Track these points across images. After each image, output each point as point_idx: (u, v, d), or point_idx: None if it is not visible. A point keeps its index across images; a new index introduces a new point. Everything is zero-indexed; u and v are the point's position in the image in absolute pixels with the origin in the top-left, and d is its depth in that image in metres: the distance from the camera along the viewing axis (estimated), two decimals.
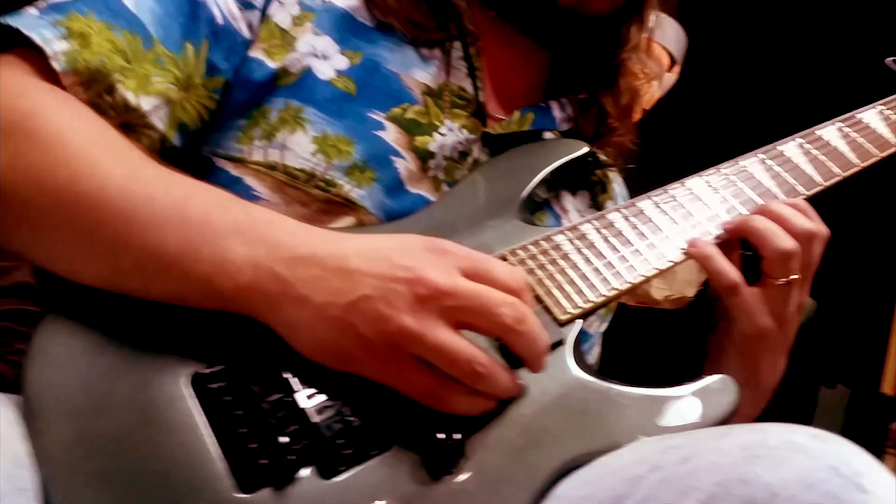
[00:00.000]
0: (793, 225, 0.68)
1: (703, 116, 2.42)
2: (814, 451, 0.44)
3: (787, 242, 0.67)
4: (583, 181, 0.89)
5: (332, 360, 0.52)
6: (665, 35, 2.08)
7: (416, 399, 0.52)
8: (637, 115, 2.24)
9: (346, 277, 0.51)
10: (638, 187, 0.78)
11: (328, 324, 0.50)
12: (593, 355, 0.90)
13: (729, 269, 0.67)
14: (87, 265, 0.54)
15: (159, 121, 0.65)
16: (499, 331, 0.51)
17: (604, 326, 0.90)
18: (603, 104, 0.87)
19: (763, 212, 0.70)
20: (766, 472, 0.43)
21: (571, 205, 0.86)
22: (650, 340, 1.85)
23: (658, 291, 1.82)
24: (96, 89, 0.61)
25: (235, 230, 0.52)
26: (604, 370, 0.92)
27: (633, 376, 0.61)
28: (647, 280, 0.67)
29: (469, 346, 0.51)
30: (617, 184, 0.94)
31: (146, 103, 0.63)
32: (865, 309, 2.93)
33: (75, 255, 0.54)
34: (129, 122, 0.63)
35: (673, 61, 2.16)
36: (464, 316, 0.51)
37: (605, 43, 0.84)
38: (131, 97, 0.62)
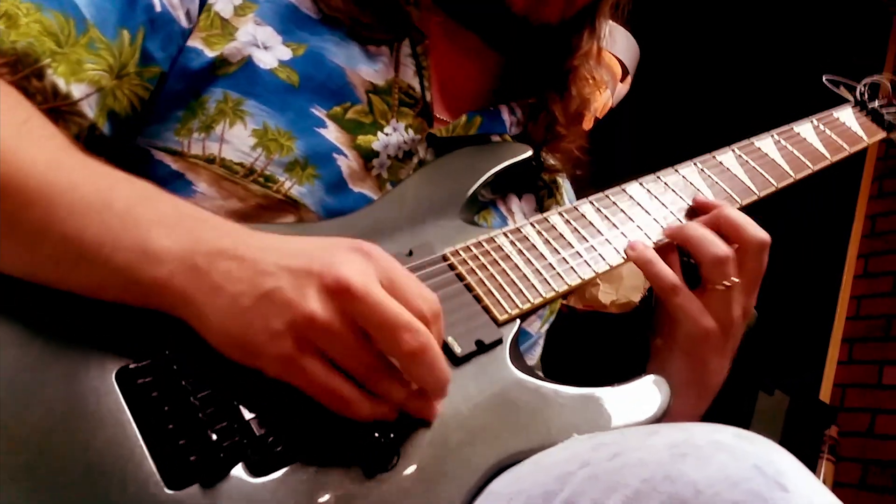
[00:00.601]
0: (732, 231, 0.70)
1: (653, 125, 2.47)
2: (738, 450, 0.45)
3: (720, 248, 0.68)
4: (529, 184, 0.90)
5: (240, 353, 0.50)
6: (618, 46, 2.11)
7: (318, 399, 0.50)
8: (589, 124, 2.28)
9: (262, 271, 0.49)
10: (589, 193, 0.78)
11: (238, 314, 0.49)
12: (535, 355, 0.91)
13: (666, 273, 0.68)
14: (6, 252, 0.52)
15: (89, 108, 0.63)
16: (395, 353, 0.49)
17: (545, 327, 0.91)
18: (552, 110, 0.87)
19: (705, 217, 0.72)
20: (692, 469, 0.43)
21: (517, 207, 0.87)
22: (597, 344, 1.88)
23: (605, 296, 1.85)
24: (23, 73, 0.58)
25: (159, 222, 0.51)
26: (551, 372, 0.93)
27: (579, 378, 0.62)
28: (586, 282, 0.68)
29: (369, 347, 0.50)
30: (566, 189, 0.96)
31: (77, 91, 0.61)
32: (805, 318, 3.02)
33: None
34: (57, 109, 0.60)
35: (626, 72, 2.19)
36: (366, 325, 0.49)
37: (556, 49, 0.85)
38: (62, 84, 0.60)
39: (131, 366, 0.52)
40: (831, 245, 3.19)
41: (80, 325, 0.53)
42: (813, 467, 2.57)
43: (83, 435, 0.48)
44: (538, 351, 0.92)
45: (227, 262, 0.50)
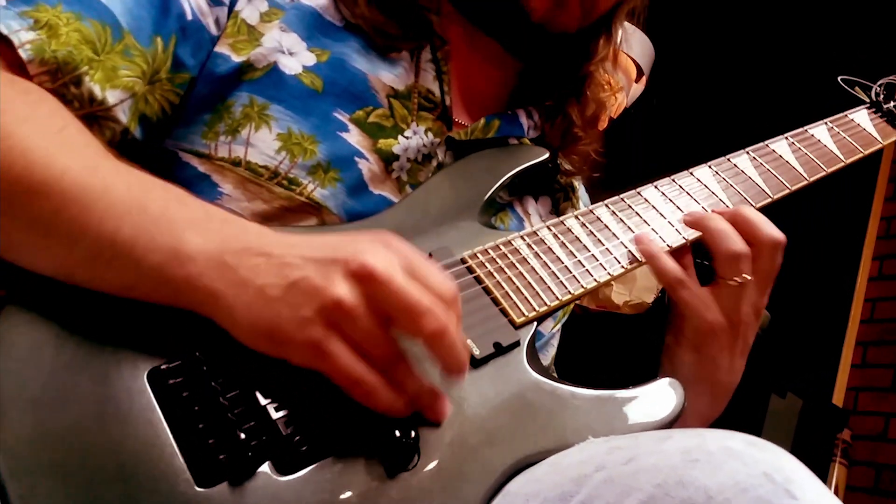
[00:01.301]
0: (749, 230, 0.70)
1: (667, 126, 2.47)
2: (749, 457, 0.46)
3: (737, 244, 0.69)
4: (546, 187, 0.91)
5: (268, 342, 0.51)
6: (633, 47, 2.11)
7: (342, 387, 0.52)
8: (603, 124, 2.28)
9: (288, 263, 0.51)
10: (604, 196, 0.79)
11: (266, 304, 0.50)
12: (549, 355, 0.92)
13: (671, 267, 0.70)
14: (42, 253, 0.54)
15: (123, 114, 0.64)
16: (418, 335, 0.51)
17: (558, 327, 0.92)
18: (569, 114, 0.89)
19: (722, 214, 0.73)
20: (703, 475, 0.44)
21: (534, 209, 0.88)
22: (610, 344, 1.88)
23: (618, 297, 1.85)
24: (62, 80, 0.60)
25: (191, 224, 0.53)
26: (564, 371, 0.94)
27: (592, 378, 0.62)
28: (601, 285, 0.69)
29: (389, 336, 0.52)
30: (581, 192, 0.97)
31: (112, 97, 0.63)
32: (819, 321, 3.00)
33: (30, 242, 0.54)
34: (92, 114, 0.62)
35: (640, 72, 2.19)
36: (390, 310, 0.51)
37: (573, 55, 0.86)
38: (97, 90, 0.62)
39: (163, 367, 0.53)
40: (846, 247, 3.17)
41: (114, 326, 0.54)
42: (825, 471, 2.56)
43: (116, 434, 0.50)
44: (552, 351, 0.93)
45: (254, 258, 0.52)
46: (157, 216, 0.53)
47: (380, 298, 0.50)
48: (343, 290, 0.50)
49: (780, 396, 2.18)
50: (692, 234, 0.73)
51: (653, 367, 0.76)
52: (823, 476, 2.57)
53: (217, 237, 0.52)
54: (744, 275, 0.69)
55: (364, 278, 0.50)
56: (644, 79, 2.17)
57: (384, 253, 0.52)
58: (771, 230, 0.70)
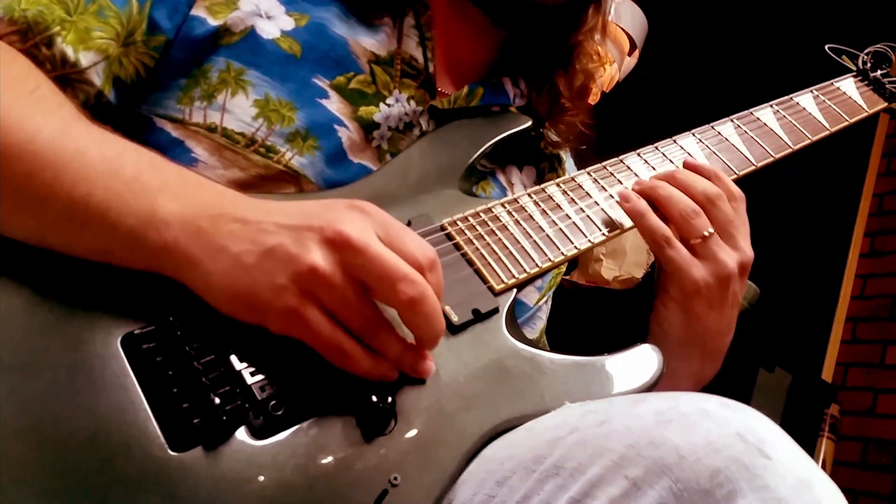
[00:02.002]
0: (694, 189, 0.70)
1: (660, 98, 2.46)
2: (722, 418, 0.46)
3: (685, 204, 0.69)
4: (531, 156, 0.90)
5: (245, 310, 0.51)
6: (626, 19, 2.10)
7: (321, 352, 0.52)
8: (595, 98, 2.26)
9: (263, 229, 0.51)
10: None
11: (243, 271, 0.50)
12: (537, 328, 0.91)
13: (658, 225, 0.69)
14: (14, 217, 0.53)
15: (96, 76, 0.63)
16: (394, 304, 0.51)
17: (545, 300, 0.92)
18: (556, 83, 0.88)
19: (665, 178, 0.72)
20: (675, 436, 0.44)
21: (518, 178, 0.87)
22: (601, 318, 1.89)
23: (608, 272, 1.86)
24: (33, 41, 0.59)
25: (165, 188, 0.52)
26: (555, 346, 0.94)
27: (581, 349, 0.62)
28: (581, 252, 0.69)
29: (367, 300, 0.52)
30: (569, 164, 0.96)
31: (85, 59, 0.62)
32: (810, 296, 3.02)
33: (2, 206, 0.53)
34: (65, 76, 0.61)
35: (633, 45, 2.18)
36: (366, 277, 0.51)
37: (561, 25, 0.85)
38: (70, 52, 0.61)
39: (136, 331, 0.53)
40: (838, 223, 3.17)
41: (87, 291, 0.54)
42: (813, 445, 2.58)
43: (89, 399, 0.49)
44: (539, 324, 0.92)
45: (229, 223, 0.51)
46: (130, 180, 0.52)
47: (355, 266, 0.50)
48: (318, 257, 0.50)
49: (769, 371, 2.19)
50: None
51: (641, 340, 0.75)
52: (811, 450, 2.59)
53: (192, 202, 0.52)
54: (704, 231, 0.68)
55: (339, 245, 0.50)
56: (637, 52, 2.16)
57: (360, 220, 0.51)
58: (706, 185, 0.70)
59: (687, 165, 0.73)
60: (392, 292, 0.50)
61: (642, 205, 0.70)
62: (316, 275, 0.49)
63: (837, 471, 2.69)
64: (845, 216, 3.18)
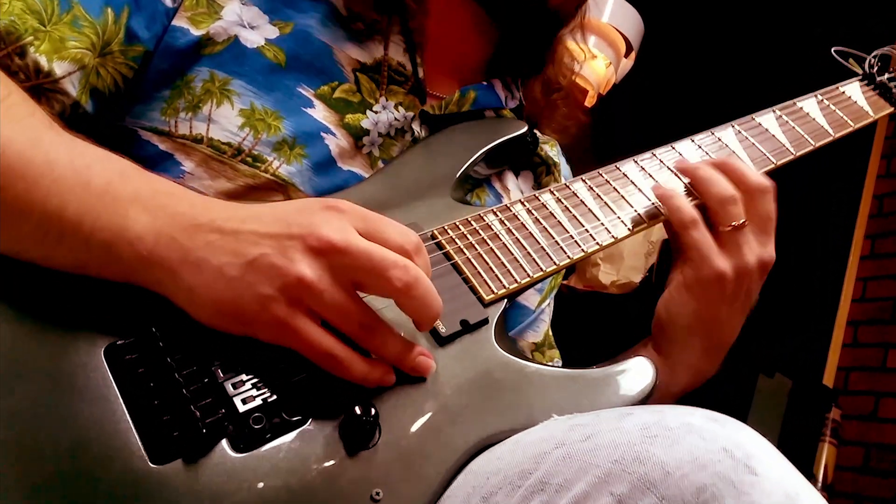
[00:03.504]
0: (735, 177, 0.70)
1: (658, 100, 2.45)
2: (708, 432, 0.45)
3: (726, 188, 0.68)
4: (527, 161, 0.89)
5: (231, 322, 0.51)
6: (622, 21, 2.09)
7: (314, 361, 0.52)
8: (592, 100, 2.25)
9: (243, 239, 0.50)
10: (589, 170, 0.78)
11: (227, 284, 0.50)
12: (540, 331, 0.90)
13: (687, 206, 0.69)
14: None
15: (72, 86, 0.63)
16: (390, 292, 0.51)
17: (547, 303, 0.91)
18: (545, 81, 0.87)
19: (710, 163, 0.72)
20: (661, 451, 0.43)
21: (514, 184, 0.86)
22: (599, 323, 1.88)
23: (605, 276, 1.85)
24: (5, 51, 0.58)
25: (136, 199, 0.51)
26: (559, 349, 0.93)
27: (581, 358, 0.61)
28: (574, 261, 0.68)
29: (361, 303, 0.52)
30: (563, 166, 0.95)
31: (59, 68, 0.61)
32: (810, 300, 3.00)
33: None
34: (39, 87, 0.60)
35: (630, 47, 2.17)
36: (356, 275, 0.51)
37: (548, 21, 0.84)
38: (43, 61, 0.60)
39: (118, 342, 0.52)
40: (838, 225, 3.16)
41: (71, 301, 0.53)
42: (813, 450, 2.57)
43: (72, 410, 0.49)
44: (543, 327, 0.91)
45: (206, 234, 0.50)
46: (100, 192, 0.51)
47: (342, 267, 0.50)
48: (304, 266, 0.49)
49: (769, 376, 2.18)
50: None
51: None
52: (813, 456, 2.58)
53: (164, 213, 0.51)
54: (739, 220, 0.67)
55: (323, 251, 0.50)
56: (633, 54, 2.15)
57: (337, 220, 0.51)
58: (757, 176, 0.70)
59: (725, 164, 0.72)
60: (385, 282, 0.50)
61: (670, 189, 0.70)
62: (304, 284, 0.49)
63: (839, 476, 2.68)
64: (845, 218, 3.17)
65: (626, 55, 2.14)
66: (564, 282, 2.01)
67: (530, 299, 0.87)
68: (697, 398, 0.76)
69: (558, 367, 0.88)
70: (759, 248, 0.68)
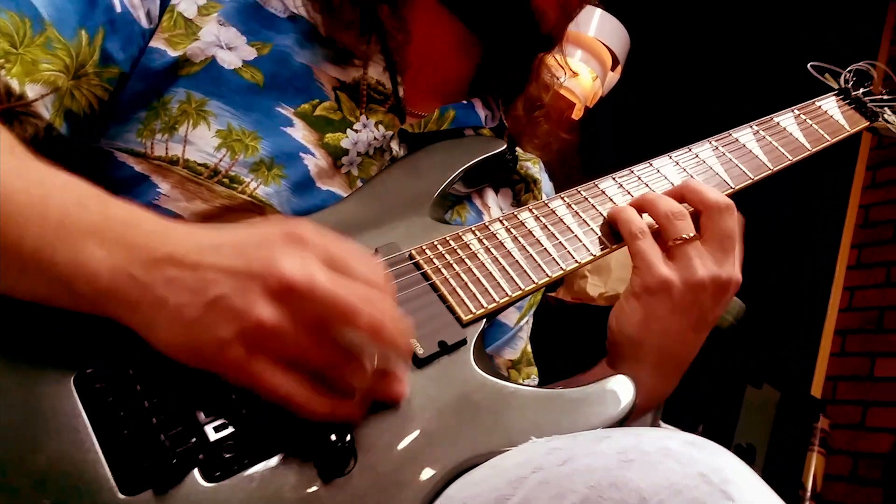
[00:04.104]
0: (695, 195, 0.71)
1: (641, 115, 2.46)
2: (685, 457, 0.44)
3: (671, 204, 0.69)
4: (506, 179, 0.89)
5: (191, 360, 0.49)
6: (609, 35, 2.10)
7: (279, 403, 0.50)
8: (578, 114, 2.25)
9: (201, 276, 0.48)
10: (574, 185, 0.77)
11: (185, 326, 0.48)
12: (518, 348, 0.90)
13: (636, 218, 0.69)
14: None
15: (45, 109, 0.62)
16: (356, 332, 0.49)
17: (526, 320, 0.90)
18: (527, 99, 0.87)
19: (670, 192, 0.73)
20: (638, 476, 0.43)
21: (494, 201, 0.86)
22: (586, 335, 1.87)
23: (593, 288, 1.84)
24: None
25: (92, 232, 0.50)
26: (539, 364, 0.92)
27: (567, 371, 0.60)
28: (553, 280, 0.67)
29: (325, 341, 0.50)
30: (545, 183, 0.95)
31: (32, 91, 0.60)
32: (798, 310, 3.01)
33: None
34: (11, 110, 0.59)
35: (616, 61, 2.18)
36: (319, 318, 0.49)
37: (531, 37, 0.83)
38: (15, 84, 0.59)
39: (88, 370, 0.51)
40: (824, 235, 3.18)
41: (41, 329, 0.52)
42: (802, 460, 2.57)
43: (41, 439, 0.48)
44: (521, 344, 0.91)
45: (165, 269, 0.49)
46: (56, 225, 0.49)
47: (305, 311, 0.48)
48: (264, 311, 0.47)
49: (756, 387, 2.18)
50: None
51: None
52: (802, 465, 2.58)
53: (120, 247, 0.49)
54: (685, 234, 0.67)
55: (284, 293, 0.47)
56: (619, 68, 2.16)
57: (300, 256, 0.49)
58: (716, 194, 0.70)
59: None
60: (351, 325, 0.48)
61: (626, 204, 0.70)
62: (263, 328, 0.47)
63: (829, 485, 2.68)
64: (832, 229, 3.19)
65: (613, 68, 2.15)
66: (552, 294, 2.00)
67: (509, 316, 0.86)
68: (686, 411, 0.76)
69: (534, 384, 0.88)
70: (713, 265, 0.67)
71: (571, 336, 1.76)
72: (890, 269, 3.01)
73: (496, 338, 0.86)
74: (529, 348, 0.93)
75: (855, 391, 2.86)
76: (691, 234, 0.67)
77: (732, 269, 0.69)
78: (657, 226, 0.70)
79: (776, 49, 2.70)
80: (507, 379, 0.60)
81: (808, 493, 2.57)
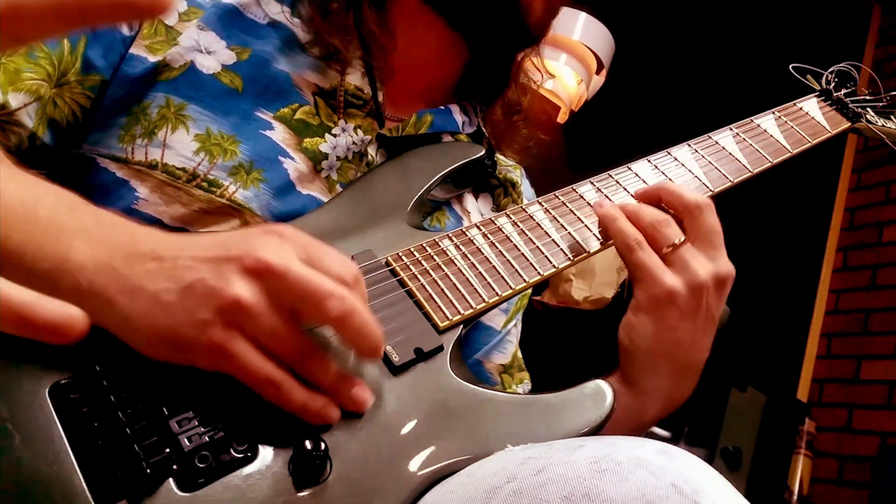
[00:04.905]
0: (673, 198, 0.70)
1: (625, 118, 2.47)
2: (658, 467, 0.44)
3: (653, 213, 0.68)
4: (485, 184, 0.89)
5: (169, 350, 0.50)
6: (593, 38, 2.11)
7: (252, 388, 0.50)
8: (564, 117, 2.26)
9: (180, 265, 0.49)
10: (557, 188, 0.77)
11: (163, 310, 0.49)
12: (508, 352, 0.89)
13: (629, 229, 0.68)
14: None
15: (28, 118, 0.62)
16: (326, 321, 0.50)
17: (513, 324, 0.90)
18: (505, 103, 0.87)
19: (644, 191, 0.72)
20: (610, 487, 0.43)
21: (473, 206, 0.86)
22: (571, 339, 1.88)
23: (578, 292, 1.85)
24: None
25: (81, 230, 0.51)
26: (527, 366, 0.92)
27: (552, 374, 0.59)
28: (531, 285, 0.67)
29: (297, 329, 0.51)
30: (525, 187, 0.95)
31: (14, 100, 0.61)
32: (783, 313, 3.03)
33: None
34: None
35: (601, 65, 2.19)
36: (291, 300, 0.50)
37: (525, 40, 0.84)
38: None
39: (62, 381, 0.51)
40: (810, 238, 3.19)
41: (15, 339, 0.51)
42: (788, 462, 2.57)
43: (16, 450, 0.47)
44: (510, 348, 0.90)
45: (146, 262, 0.50)
46: (45, 224, 0.50)
47: (280, 291, 0.49)
48: (240, 288, 0.48)
49: (741, 390, 2.19)
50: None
51: (613, 361, 0.73)
52: (787, 468, 2.58)
53: (106, 244, 0.50)
54: (675, 240, 0.67)
55: (261, 273, 0.49)
56: (604, 71, 2.17)
57: (278, 245, 0.50)
58: (693, 194, 0.69)
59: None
60: (320, 311, 0.49)
61: (615, 211, 0.69)
62: (240, 306, 0.48)
63: (815, 488, 2.69)
64: (817, 232, 3.21)
65: (598, 72, 2.16)
66: (537, 297, 2.01)
67: (495, 320, 0.86)
68: (669, 415, 0.76)
69: (527, 389, 0.88)
70: (709, 263, 0.67)
71: (557, 340, 1.76)
72: (875, 271, 3.02)
73: (484, 342, 0.86)
74: (520, 353, 0.93)
75: (841, 394, 2.87)
76: (681, 240, 0.67)
77: (725, 262, 0.69)
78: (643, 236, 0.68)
79: (761, 53, 2.72)
80: (500, 384, 0.60)
81: (795, 497, 2.58)
